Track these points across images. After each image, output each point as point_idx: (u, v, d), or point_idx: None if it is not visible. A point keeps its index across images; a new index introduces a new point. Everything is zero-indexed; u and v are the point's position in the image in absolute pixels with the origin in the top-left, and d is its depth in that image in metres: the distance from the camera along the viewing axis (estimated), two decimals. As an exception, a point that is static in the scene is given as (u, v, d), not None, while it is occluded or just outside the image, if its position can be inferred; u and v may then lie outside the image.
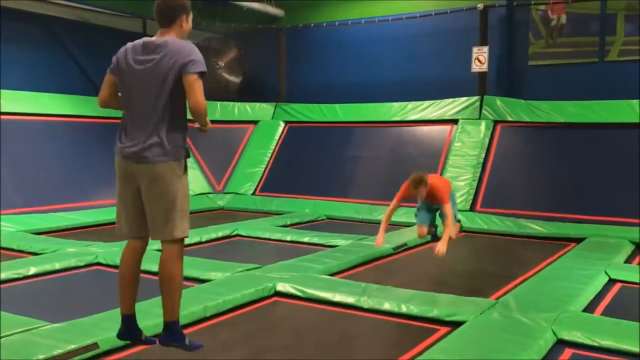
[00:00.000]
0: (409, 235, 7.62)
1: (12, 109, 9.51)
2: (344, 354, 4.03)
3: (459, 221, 6.30)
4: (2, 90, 9.55)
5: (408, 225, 8.85)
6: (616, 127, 9.15)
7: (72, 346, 3.69)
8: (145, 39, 3.02)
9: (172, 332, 3.28)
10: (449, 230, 5.77)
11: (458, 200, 9.33)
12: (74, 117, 10.40)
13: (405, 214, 9.35)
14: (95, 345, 3.77)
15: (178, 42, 2.96)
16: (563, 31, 10.55)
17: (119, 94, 3.20)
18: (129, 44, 3.06)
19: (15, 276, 5.70)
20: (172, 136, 2.98)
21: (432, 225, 6.36)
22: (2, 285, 5.47)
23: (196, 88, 2.87)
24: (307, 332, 4.44)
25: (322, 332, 4.44)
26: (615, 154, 8.94)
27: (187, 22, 3.05)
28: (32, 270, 5.85)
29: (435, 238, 6.50)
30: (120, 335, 3.42)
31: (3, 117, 9.33)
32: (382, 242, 5.91)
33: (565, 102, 9.77)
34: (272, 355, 3.99)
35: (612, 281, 5.80)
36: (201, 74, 2.93)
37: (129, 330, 3.38)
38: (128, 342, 3.70)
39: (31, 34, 10.69)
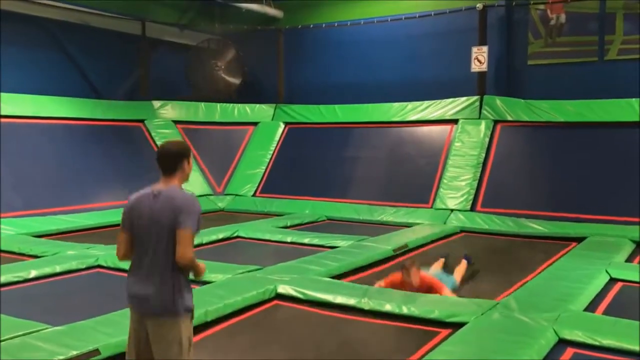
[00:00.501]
0: (409, 237, 7.62)
1: (13, 112, 9.51)
2: (345, 358, 4.03)
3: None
4: (2, 93, 9.54)
5: (408, 225, 8.86)
6: (616, 126, 9.15)
7: (74, 352, 3.67)
8: (148, 189, 3.12)
9: None
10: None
11: (458, 201, 9.33)
12: (74, 120, 10.40)
13: (406, 215, 9.37)
14: (96, 352, 3.76)
15: (180, 196, 3.04)
16: (562, 30, 10.55)
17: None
18: (133, 197, 3.15)
19: (16, 279, 5.70)
20: (175, 287, 3.01)
21: None
22: (3, 289, 5.46)
23: (185, 242, 2.94)
24: (309, 336, 4.43)
25: (323, 336, 4.43)
26: (615, 153, 8.94)
27: (189, 165, 3.17)
28: (33, 273, 5.86)
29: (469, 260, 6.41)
30: None
31: (3, 120, 9.33)
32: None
33: (565, 101, 9.77)
34: (273, 357, 3.98)
35: (613, 280, 5.80)
36: (193, 229, 3.00)
37: None
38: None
39: (31, 37, 10.69)
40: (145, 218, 3.02)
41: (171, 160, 3.11)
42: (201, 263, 3.11)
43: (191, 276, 3.09)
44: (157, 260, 3.00)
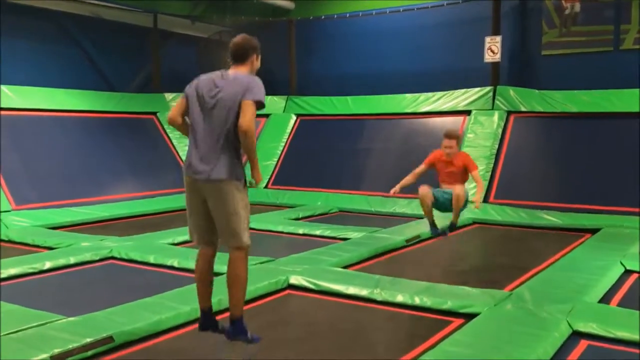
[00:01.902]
0: (422, 228, 7.59)
1: (26, 105, 9.58)
2: (358, 347, 4.03)
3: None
4: (16, 87, 9.61)
5: (420, 217, 8.82)
6: (631, 117, 9.02)
7: (88, 339, 3.72)
8: (219, 72, 3.49)
9: (237, 327, 3.69)
10: (480, 190, 6.27)
11: (471, 192, 9.27)
12: (87, 113, 10.46)
13: (418, 207, 9.31)
14: (110, 339, 3.80)
15: (246, 77, 3.41)
16: (577, 20, 10.42)
17: (187, 120, 3.64)
18: (203, 76, 3.50)
19: (31, 270, 5.75)
20: (233, 159, 3.42)
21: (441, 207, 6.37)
22: (17, 280, 5.53)
23: (246, 111, 3.27)
24: (321, 326, 4.44)
25: (335, 325, 4.43)
26: (630, 143, 8.82)
27: (257, 61, 3.53)
28: (47, 265, 5.90)
29: (443, 232, 6.52)
30: (201, 327, 3.82)
31: (16, 113, 9.40)
32: (397, 189, 6.22)
33: (580, 91, 9.66)
34: (285, 348, 3.99)
35: (627, 272, 5.75)
36: (257, 103, 3.32)
37: (208, 321, 3.80)
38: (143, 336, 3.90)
39: (44, 30, 10.75)
40: (212, 95, 3.36)
41: (243, 51, 3.47)
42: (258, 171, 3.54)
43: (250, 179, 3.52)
44: (219, 133, 3.34)
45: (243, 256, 3.64)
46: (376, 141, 10.93)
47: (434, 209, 6.38)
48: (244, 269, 3.65)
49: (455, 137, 6.24)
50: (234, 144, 3.37)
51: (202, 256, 3.76)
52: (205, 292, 3.79)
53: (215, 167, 3.36)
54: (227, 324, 3.76)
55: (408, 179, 6.38)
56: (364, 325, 4.45)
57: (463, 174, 6.24)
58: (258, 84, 3.37)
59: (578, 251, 6.52)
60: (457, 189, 6.11)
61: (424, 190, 6.28)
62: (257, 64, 3.49)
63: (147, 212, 9.28)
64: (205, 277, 3.78)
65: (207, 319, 3.80)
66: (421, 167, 6.39)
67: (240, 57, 3.44)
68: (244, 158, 3.52)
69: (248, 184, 3.62)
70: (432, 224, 6.49)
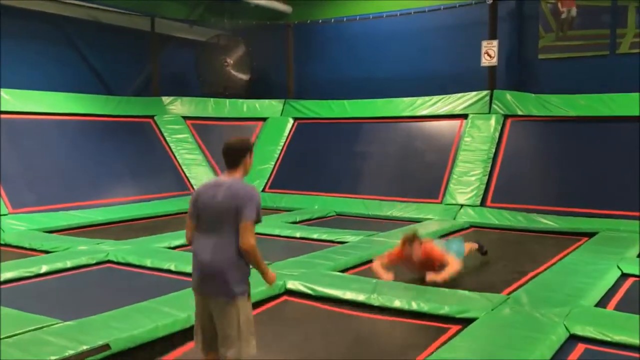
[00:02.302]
0: (419, 232, 7.57)
1: (23, 108, 9.56)
2: (355, 356, 4.02)
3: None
4: (14, 90, 9.60)
5: (417, 221, 8.84)
6: (628, 120, 9.05)
7: (84, 347, 3.69)
8: (214, 181, 3.46)
9: None
10: (451, 269, 5.39)
11: (468, 196, 9.30)
12: (85, 116, 10.44)
13: (415, 210, 9.35)
14: (106, 347, 3.78)
15: (242, 188, 3.33)
16: (574, 24, 10.45)
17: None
18: (200, 186, 3.48)
19: (27, 274, 5.74)
20: (235, 268, 3.28)
21: None
22: (14, 284, 5.51)
23: (246, 232, 3.24)
24: (318, 334, 4.42)
25: (332, 334, 4.42)
26: (627, 147, 8.84)
27: (250, 159, 3.48)
28: (44, 269, 5.89)
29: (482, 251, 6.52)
30: None
31: (14, 116, 9.39)
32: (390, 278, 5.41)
33: (576, 95, 9.68)
34: (283, 355, 3.98)
35: (624, 275, 5.76)
36: (255, 221, 3.29)
37: None
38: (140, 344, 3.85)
39: (42, 34, 10.74)
40: (209, 206, 3.33)
41: (234, 156, 3.42)
42: (272, 272, 3.44)
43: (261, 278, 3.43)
44: (218, 245, 3.28)
45: None
46: (373, 145, 10.94)
47: None
48: None
49: (414, 239, 5.42)
50: (236, 252, 3.27)
51: None
52: None
53: (218, 282, 3.26)
54: None
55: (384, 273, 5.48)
56: (362, 334, 4.44)
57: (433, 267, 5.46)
58: (253, 198, 3.30)
59: (575, 255, 6.53)
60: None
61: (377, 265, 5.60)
62: (251, 161, 3.48)
63: (144, 216, 9.27)
64: None
65: None
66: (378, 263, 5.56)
67: (232, 162, 3.41)
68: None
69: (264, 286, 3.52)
70: None
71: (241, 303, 3.28)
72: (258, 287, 5.02)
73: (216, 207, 3.29)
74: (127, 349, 3.90)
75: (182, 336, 4.15)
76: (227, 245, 3.26)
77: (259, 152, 11.76)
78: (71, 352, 3.62)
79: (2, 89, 9.41)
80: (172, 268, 5.93)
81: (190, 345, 3.96)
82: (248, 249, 3.24)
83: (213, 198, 3.31)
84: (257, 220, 3.29)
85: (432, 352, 3.87)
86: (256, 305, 4.89)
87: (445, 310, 4.60)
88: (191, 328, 4.02)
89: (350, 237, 7.47)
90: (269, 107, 12.47)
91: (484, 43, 10.40)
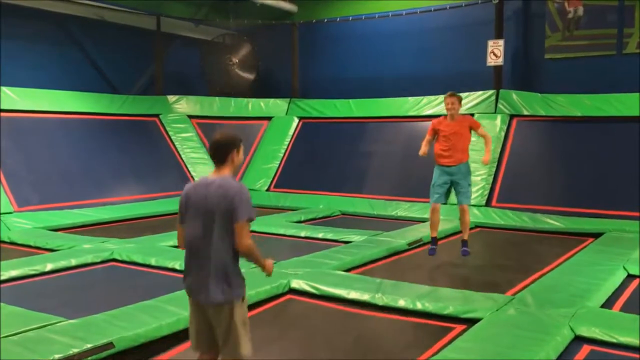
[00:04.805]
0: (424, 231, 7.57)
1: (29, 107, 9.59)
2: (359, 355, 4.01)
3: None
4: (19, 89, 9.63)
5: (422, 221, 8.81)
6: (635, 121, 9.00)
7: (88, 345, 3.70)
8: (203, 179, 3.33)
9: None
10: (490, 145, 6.16)
11: (473, 196, 9.26)
12: (90, 115, 10.47)
13: (420, 210, 9.33)
14: (110, 345, 3.78)
15: (232, 187, 3.21)
16: (580, 23, 10.40)
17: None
18: (188, 186, 3.36)
19: (32, 272, 5.76)
20: (229, 274, 3.20)
21: (445, 202, 6.30)
22: (19, 282, 5.53)
23: (241, 232, 3.16)
24: (322, 333, 4.41)
25: (336, 333, 4.41)
26: (633, 147, 8.79)
27: (238, 156, 3.37)
28: (49, 267, 5.91)
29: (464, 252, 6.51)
30: None
31: (20, 114, 9.42)
32: (425, 151, 6.04)
33: (583, 95, 9.64)
34: (285, 355, 3.98)
35: (630, 277, 5.72)
36: (248, 220, 3.20)
37: None
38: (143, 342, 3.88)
39: (47, 33, 10.77)
40: (199, 207, 3.22)
41: (221, 152, 3.31)
42: (268, 260, 3.32)
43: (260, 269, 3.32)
44: (211, 248, 3.18)
45: None
46: (378, 144, 10.92)
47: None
48: None
49: (457, 96, 6.15)
50: (230, 254, 3.19)
51: None
52: None
53: (211, 287, 3.16)
54: None
55: (425, 145, 6.20)
56: (366, 333, 4.43)
57: (466, 139, 6.10)
58: (244, 196, 3.20)
59: (581, 255, 6.49)
60: (464, 208, 6.05)
61: (436, 206, 6.22)
62: (240, 158, 3.36)
63: (149, 215, 9.28)
64: None
65: None
66: (427, 138, 6.24)
67: (219, 158, 3.31)
68: None
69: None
70: (433, 242, 6.39)
71: (237, 306, 3.19)
72: (261, 287, 5.04)
73: (208, 208, 3.18)
74: (131, 347, 3.90)
75: (185, 335, 4.14)
76: (221, 248, 3.16)
77: (264, 151, 11.77)
78: (75, 350, 3.62)
79: (8, 88, 9.44)
80: (177, 267, 5.93)
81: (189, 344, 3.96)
82: (245, 250, 3.17)
83: (204, 199, 3.20)
84: (251, 219, 3.19)
85: (437, 352, 3.86)
86: (260, 303, 4.91)
87: (449, 310, 4.59)
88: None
89: (355, 236, 7.46)
90: (274, 106, 12.47)
91: (490, 42, 10.36)
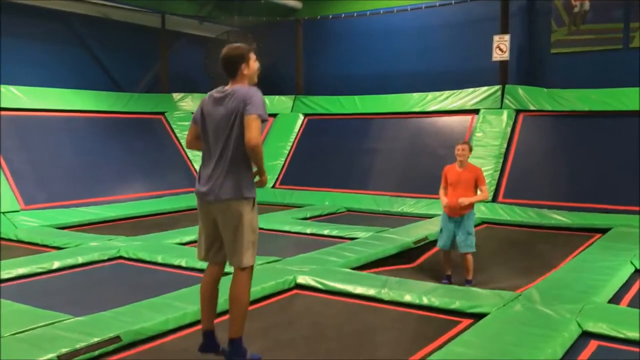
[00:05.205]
0: (430, 228, 7.56)
1: (34, 106, 9.62)
2: (365, 348, 4.01)
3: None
4: (24, 87, 9.66)
5: (429, 217, 8.80)
6: (641, 115, 8.96)
7: (95, 339, 3.72)
8: (218, 89, 3.49)
9: (235, 348, 3.56)
10: (480, 198, 5.94)
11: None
12: (95, 113, 10.49)
13: (426, 206, 9.31)
14: (117, 339, 3.80)
15: (244, 89, 3.40)
16: (586, 18, 10.35)
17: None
18: (206, 97, 3.53)
19: (39, 270, 5.77)
20: (241, 175, 3.40)
21: (451, 249, 6.10)
22: (26, 280, 5.55)
23: (251, 127, 3.28)
24: (328, 325, 4.42)
25: (342, 325, 4.42)
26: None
27: (249, 67, 3.49)
28: (56, 265, 5.93)
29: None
30: (201, 348, 3.69)
31: (25, 113, 9.45)
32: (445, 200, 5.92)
33: (589, 90, 9.59)
34: (291, 348, 3.98)
35: (638, 272, 5.69)
36: (259, 116, 3.32)
37: (209, 344, 3.68)
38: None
39: (52, 30, 10.79)
40: (214, 113, 3.40)
41: (230, 66, 3.47)
42: (265, 175, 3.52)
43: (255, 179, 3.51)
44: (224, 150, 3.36)
45: (245, 277, 3.54)
46: (384, 141, 10.90)
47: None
48: (244, 290, 3.54)
49: (468, 144, 6.10)
50: (242, 159, 3.37)
51: (208, 273, 3.70)
52: (208, 313, 3.68)
53: (222, 186, 3.35)
54: (227, 344, 3.63)
55: (444, 196, 6.02)
56: (371, 325, 4.43)
57: (470, 191, 5.86)
58: (256, 95, 3.35)
59: (588, 251, 6.47)
60: (466, 256, 5.83)
61: (444, 250, 6.02)
62: (253, 66, 3.48)
63: (155, 212, 9.30)
64: (209, 295, 3.68)
65: (208, 342, 3.68)
66: (442, 185, 6.05)
67: (230, 71, 3.45)
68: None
69: (257, 185, 3.58)
70: (448, 278, 6.21)
71: (246, 207, 3.36)
72: (267, 282, 5.04)
73: (222, 113, 3.34)
74: (137, 340, 3.92)
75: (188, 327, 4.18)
76: (233, 152, 3.32)
77: (269, 148, 11.77)
78: (82, 344, 3.64)
79: (13, 86, 9.48)
80: (184, 264, 5.94)
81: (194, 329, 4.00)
82: (253, 145, 3.27)
83: (219, 105, 3.37)
84: (263, 118, 3.31)
85: (442, 344, 3.86)
86: (266, 298, 4.92)
87: (456, 305, 4.58)
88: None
89: (361, 233, 7.45)
90: (279, 103, 12.47)
91: (496, 37, 10.32)
